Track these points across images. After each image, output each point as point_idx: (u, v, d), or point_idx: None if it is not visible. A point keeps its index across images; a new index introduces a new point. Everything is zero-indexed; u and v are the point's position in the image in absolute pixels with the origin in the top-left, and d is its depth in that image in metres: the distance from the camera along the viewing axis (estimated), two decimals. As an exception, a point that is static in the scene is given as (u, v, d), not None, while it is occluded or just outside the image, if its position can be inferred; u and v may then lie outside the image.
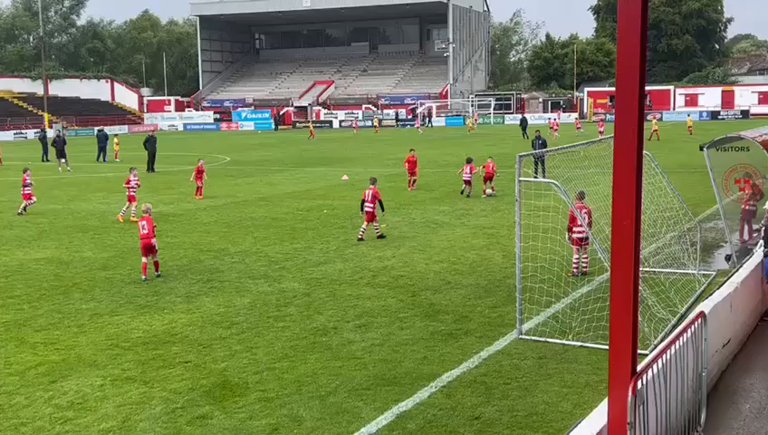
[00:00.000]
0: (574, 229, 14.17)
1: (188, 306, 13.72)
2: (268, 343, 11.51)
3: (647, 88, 5.66)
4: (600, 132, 52.14)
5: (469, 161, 27.28)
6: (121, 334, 12.14)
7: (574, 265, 14.58)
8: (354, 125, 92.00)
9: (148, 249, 15.57)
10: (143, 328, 12.45)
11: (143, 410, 9.09)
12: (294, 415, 8.85)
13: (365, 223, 19.60)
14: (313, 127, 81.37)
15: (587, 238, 13.92)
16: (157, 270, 15.80)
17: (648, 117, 69.57)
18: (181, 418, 8.85)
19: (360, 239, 19.35)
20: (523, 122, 67.76)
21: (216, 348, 11.35)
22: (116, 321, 12.91)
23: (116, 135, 54.27)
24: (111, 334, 12.15)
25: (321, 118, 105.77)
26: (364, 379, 9.94)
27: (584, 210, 14.04)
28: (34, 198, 25.67)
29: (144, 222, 15.54)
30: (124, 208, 23.67)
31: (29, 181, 25.33)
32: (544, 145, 31.52)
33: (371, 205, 19.41)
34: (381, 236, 19.60)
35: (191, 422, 8.72)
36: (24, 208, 25.20)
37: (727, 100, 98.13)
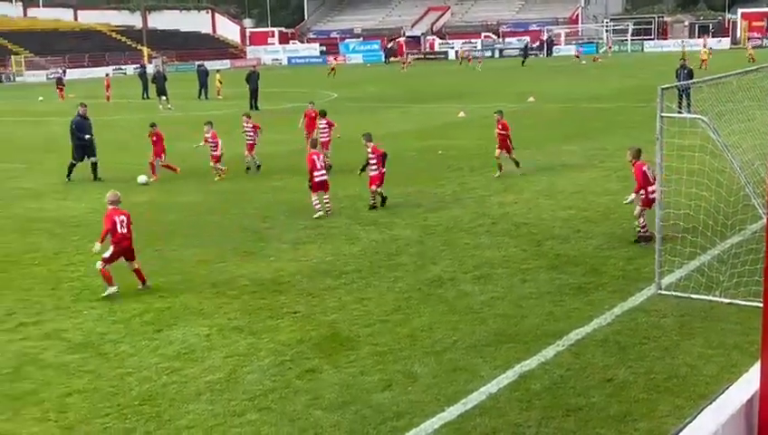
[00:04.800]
0: (650, 189, 13.32)
1: (296, 254, 14.08)
2: (380, 295, 11.71)
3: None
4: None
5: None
6: (228, 282, 12.60)
7: (643, 229, 13.77)
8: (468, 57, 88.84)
9: (128, 253, 12.41)
10: (249, 276, 12.87)
11: (251, 362, 9.44)
12: (408, 371, 9.01)
13: None
14: (410, 61, 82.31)
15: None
16: (143, 281, 12.45)
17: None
18: (290, 371, 9.16)
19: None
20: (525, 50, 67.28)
21: (325, 298, 11.64)
22: (222, 268, 13.39)
23: (218, 71, 55.69)
24: (217, 282, 12.63)
25: (436, 48, 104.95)
26: (483, 335, 10.00)
27: (645, 166, 13.42)
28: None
29: (123, 217, 12.31)
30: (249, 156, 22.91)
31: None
32: (690, 76, 30.29)
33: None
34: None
35: (300, 376, 9.01)
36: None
37: None
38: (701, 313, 10.42)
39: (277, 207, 17.62)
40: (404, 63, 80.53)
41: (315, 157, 16.95)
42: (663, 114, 11.26)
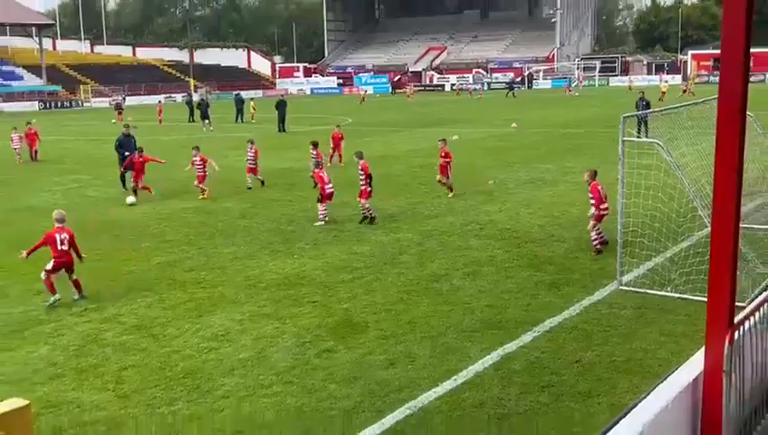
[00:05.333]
0: (602, 207, 13.26)
1: (315, 253, 14.08)
2: (385, 287, 11.70)
3: (751, 50, 5.34)
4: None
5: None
6: (258, 276, 12.61)
7: (596, 239, 13.39)
8: (469, 90, 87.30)
9: (68, 266, 11.58)
10: (276, 271, 12.88)
11: (277, 343, 9.45)
12: (409, 352, 9.00)
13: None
14: (413, 91, 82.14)
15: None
16: (79, 292, 11.62)
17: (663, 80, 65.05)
18: (310, 351, 9.16)
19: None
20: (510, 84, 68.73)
21: (339, 290, 11.63)
22: (253, 264, 13.40)
23: (252, 99, 55.74)
24: (249, 276, 12.64)
25: (435, 82, 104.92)
26: (472, 322, 9.98)
27: (599, 187, 13.22)
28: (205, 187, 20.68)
29: (65, 235, 11.49)
30: (249, 181, 21.82)
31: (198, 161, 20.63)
32: (648, 106, 30.24)
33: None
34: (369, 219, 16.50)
35: (318, 355, 9.01)
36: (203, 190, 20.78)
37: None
38: (655, 306, 10.38)
39: (300, 214, 17.62)
40: (409, 94, 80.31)
41: (323, 174, 16.77)
42: (624, 138, 11.25)
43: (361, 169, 16.48)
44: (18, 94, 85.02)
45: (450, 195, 19.23)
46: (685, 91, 57.72)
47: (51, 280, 11.37)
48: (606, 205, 13.06)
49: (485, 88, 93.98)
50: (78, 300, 11.50)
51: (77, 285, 11.65)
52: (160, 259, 14.00)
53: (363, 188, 16.40)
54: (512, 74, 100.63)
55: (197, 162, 20.64)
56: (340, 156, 26.07)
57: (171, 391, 8.14)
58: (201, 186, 20.67)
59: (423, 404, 7.61)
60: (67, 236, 11.53)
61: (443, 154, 19.48)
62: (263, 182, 22.22)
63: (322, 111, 62.01)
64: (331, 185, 16.76)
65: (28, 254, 11.55)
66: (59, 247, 11.41)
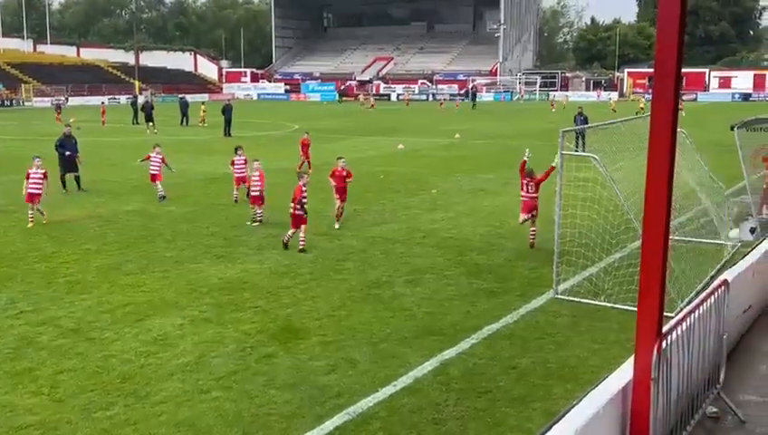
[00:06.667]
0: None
1: (259, 258, 13.94)
2: (328, 293, 11.65)
3: (683, 70, 5.51)
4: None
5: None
6: (200, 280, 12.41)
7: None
8: (441, 101, 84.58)
9: None
10: (219, 275, 12.70)
11: (217, 348, 9.31)
12: (350, 358, 8.97)
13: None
14: (374, 99, 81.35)
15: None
16: None
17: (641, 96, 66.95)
18: (251, 356, 9.05)
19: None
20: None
21: (282, 296, 11.53)
22: (195, 268, 13.19)
23: (203, 102, 55.08)
24: (191, 280, 12.43)
25: (381, 91, 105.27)
26: (412, 329, 10.01)
27: (532, 182, 14.46)
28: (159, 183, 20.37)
29: None
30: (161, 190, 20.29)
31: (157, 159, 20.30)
32: (586, 121, 30.90)
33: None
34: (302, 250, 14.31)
35: (259, 360, 8.92)
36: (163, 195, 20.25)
37: (759, 83, 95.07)
38: (589, 314, 10.59)
39: (243, 219, 17.41)
40: (371, 105, 77.11)
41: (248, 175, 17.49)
42: (563, 152, 11.46)
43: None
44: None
45: (336, 225, 16.55)
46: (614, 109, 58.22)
47: None
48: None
49: (432, 99, 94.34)
50: None
51: None
52: (100, 262, 13.67)
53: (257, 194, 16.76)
54: (477, 83, 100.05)
55: (155, 159, 20.19)
56: (308, 162, 25.89)
57: (108, 396, 7.94)
58: (158, 185, 20.20)
59: (362, 410, 7.59)
60: None
61: (344, 174, 16.47)
62: (163, 197, 20.22)
63: (268, 116, 61.55)
64: (257, 188, 16.89)
65: None
66: None
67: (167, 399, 7.87)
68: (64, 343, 9.50)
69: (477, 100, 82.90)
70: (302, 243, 14.31)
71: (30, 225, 16.81)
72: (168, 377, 8.43)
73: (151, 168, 20.39)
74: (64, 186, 21.84)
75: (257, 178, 16.92)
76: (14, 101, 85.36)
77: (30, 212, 16.97)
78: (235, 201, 19.59)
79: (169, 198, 20.33)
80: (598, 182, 12.89)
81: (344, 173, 16.54)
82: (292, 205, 14.27)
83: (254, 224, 16.78)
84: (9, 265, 13.44)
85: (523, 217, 14.61)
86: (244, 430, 7.21)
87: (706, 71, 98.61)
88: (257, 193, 16.91)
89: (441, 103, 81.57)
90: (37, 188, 17.07)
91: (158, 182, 20.31)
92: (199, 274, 12.82)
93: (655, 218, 5.46)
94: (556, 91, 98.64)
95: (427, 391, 8.02)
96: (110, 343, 9.51)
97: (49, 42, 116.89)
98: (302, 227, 14.27)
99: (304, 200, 14.17)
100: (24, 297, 11.41)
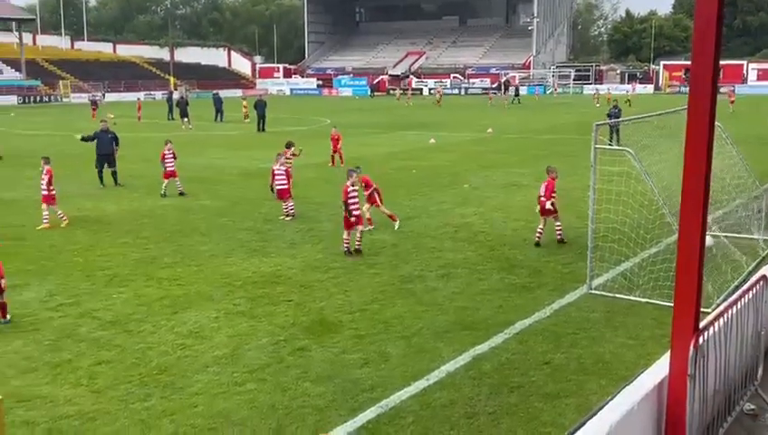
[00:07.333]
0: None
1: (292, 252, 14.03)
2: (360, 288, 11.68)
3: (721, 62, 5.41)
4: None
5: None
6: (234, 274, 12.53)
7: (538, 234, 14.39)
8: (490, 95, 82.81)
9: None
10: (253, 269, 12.81)
11: (251, 341, 9.39)
12: (382, 351, 9.00)
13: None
14: (411, 94, 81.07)
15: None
16: (4, 316, 10.20)
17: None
18: (284, 349, 9.12)
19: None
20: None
21: (315, 289, 11.60)
22: (230, 262, 13.32)
23: (244, 98, 55.53)
24: (226, 274, 12.56)
25: (413, 86, 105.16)
26: (445, 323, 10.00)
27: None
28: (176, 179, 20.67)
29: None
30: (164, 185, 20.49)
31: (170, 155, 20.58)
32: (619, 115, 30.54)
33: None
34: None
35: (292, 353, 8.98)
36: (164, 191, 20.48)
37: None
38: (623, 309, 10.48)
39: (277, 213, 17.52)
40: (408, 99, 77.27)
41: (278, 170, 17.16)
42: (597, 146, 11.34)
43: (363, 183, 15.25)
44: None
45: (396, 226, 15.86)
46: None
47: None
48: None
49: (464, 93, 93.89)
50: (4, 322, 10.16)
51: (3, 307, 10.26)
52: (137, 255, 13.87)
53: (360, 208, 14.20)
54: (517, 78, 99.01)
55: (168, 156, 20.38)
56: (340, 156, 26.12)
57: (145, 387, 8.07)
58: (173, 181, 20.28)
59: (395, 403, 7.61)
60: None
61: (362, 183, 15.34)
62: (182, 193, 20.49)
63: (301, 111, 61.83)
64: (283, 182, 17.06)
65: None
66: None
67: (202, 390, 7.97)
68: (103, 335, 9.66)
69: (509, 92, 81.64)
70: (357, 244, 13.74)
71: (43, 226, 16.33)
72: (203, 369, 8.53)
73: (167, 164, 20.43)
74: (102, 181, 22.19)
75: (282, 173, 17.01)
76: (52, 97, 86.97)
77: (45, 214, 16.50)
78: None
79: (204, 193, 20.53)
80: (632, 176, 12.75)
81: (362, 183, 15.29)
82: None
83: (287, 218, 16.89)
84: (48, 259, 13.70)
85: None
86: (278, 422, 7.27)
87: (744, 63, 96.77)
88: (283, 186, 16.96)
89: (490, 97, 79.40)
90: (44, 190, 16.46)
91: (174, 179, 20.43)
92: (233, 267, 12.94)
93: (692, 213, 5.39)
94: (590, 84, 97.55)
95: (460, 385, 8.01)
96: (147, 336, 9.65)
97: (86, 38, 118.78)
98: (357, 227, 13.68)
99: (350, 201, 13.48)
100: (64, 290, 11.63)
